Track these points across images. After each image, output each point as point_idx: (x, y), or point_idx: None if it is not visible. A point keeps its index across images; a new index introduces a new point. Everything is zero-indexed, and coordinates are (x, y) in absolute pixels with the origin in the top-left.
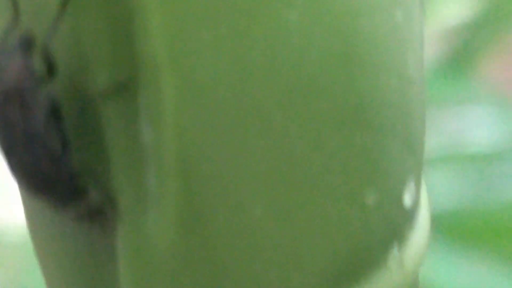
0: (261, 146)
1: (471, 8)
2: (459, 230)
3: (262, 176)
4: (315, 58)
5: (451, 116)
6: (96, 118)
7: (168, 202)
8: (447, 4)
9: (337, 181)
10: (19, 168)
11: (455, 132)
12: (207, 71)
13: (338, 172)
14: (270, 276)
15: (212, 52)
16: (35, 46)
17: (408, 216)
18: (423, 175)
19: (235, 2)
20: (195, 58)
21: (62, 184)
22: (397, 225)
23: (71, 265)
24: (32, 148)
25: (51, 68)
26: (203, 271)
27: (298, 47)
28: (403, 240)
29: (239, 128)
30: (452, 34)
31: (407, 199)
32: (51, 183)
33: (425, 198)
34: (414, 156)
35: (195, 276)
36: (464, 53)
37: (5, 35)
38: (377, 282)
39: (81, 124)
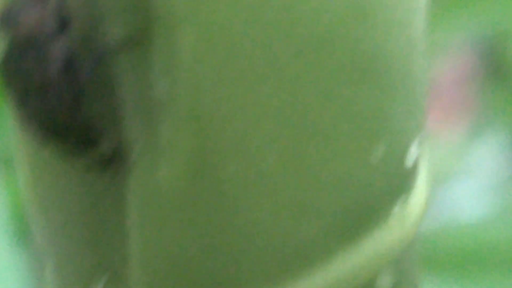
0: (274, 95)
1: None
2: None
3: (274, 124)
4: (332, 8)
5: None
6: (109, 69)
7: (180, 150)
8: None
9: (346, 133)
10: (33, 117)
11: None
12: (224, 20)
13: (347, 125)
14: (277, 224)
15: (230, 1)
16: None
17: (409, 176)
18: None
19: None
20: (213, 8)
21: (76, 132)
22: (399, 183)
23: (76, 218)
24: (47, 97)
25: (66, 18)
26: (212, 217)
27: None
28: (404, 198)
29: (253, 77)
30: None
31: (409, 159)
32: (65, 131)
33: (426, 162)
34: (416, 118)
35: (204, 222)
36: None
37: None
38: (378, 238)
39: (95, 75)
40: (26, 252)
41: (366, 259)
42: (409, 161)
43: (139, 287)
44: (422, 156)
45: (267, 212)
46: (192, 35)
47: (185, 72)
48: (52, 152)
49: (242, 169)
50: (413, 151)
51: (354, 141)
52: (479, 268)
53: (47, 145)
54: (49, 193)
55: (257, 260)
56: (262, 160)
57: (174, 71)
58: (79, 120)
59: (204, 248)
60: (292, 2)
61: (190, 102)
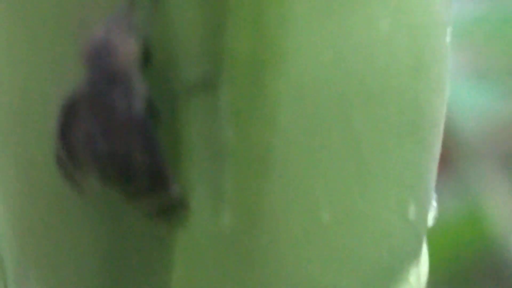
0: (338, 148)
1: None
2: None
3: (333, 176)
4: (396, 67)
5: None
6: (177, 113)
7: (244, 198)
8: None
9: (390, 187)
10: (108, 156)
11: None
12: (303, 72)
13: (393, 182)
14: (323, 276)
15: (312, 53)
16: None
17: (424, 234)
18: None
19: (334, 7)
20: (292, 60)
21: (152, 175)
22: (421, 241)
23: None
24: (129, 135)
25: (148, 56)
26: (264, 265)
27: (385, 55)
28: (420, 257)
29: (322, 130)
30: None
31: (430, 218)
32: (139, 172)
33: None
34: (432, 180)
35: (256, 269)
36: None
37: (118, 19)
38: None
39: (170, 115)
40: None
41: None
42: (430, 219)
43: None
44: None
45: (316, 264)
46: (272, 82)
47: (251, 119)
48: (119, 192)
49: (299, 221)
50: (432, 210)
51: (396, 196)
52: None
53: (113, 186)
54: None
55: None
56: (319, 213)
57: (240, 117)
58: (155, 161)
59: None
60: (368, 57)
61: (255, 150)
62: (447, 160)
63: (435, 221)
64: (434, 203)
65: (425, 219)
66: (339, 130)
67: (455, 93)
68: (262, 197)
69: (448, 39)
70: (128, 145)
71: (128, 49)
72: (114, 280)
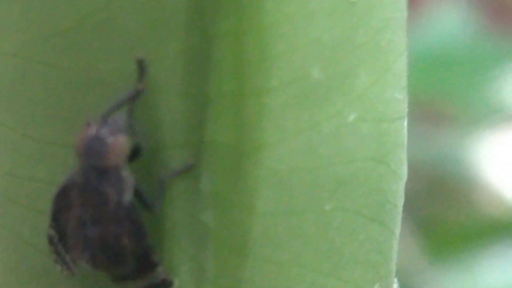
0: (311, 231)
1: None
2: None
3: (306, 259)
4: (361, 154)
5: None
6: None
7: (224, 280)
8: None
9: (359, 270)
10: (98, 240)
11: None
12: (279, 160)
13: (360, 261)
14: None
15: (287, 143)
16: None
17: None
18: None
19: (306, 103)
20: (270, 149)
21: (139, 258)
22: None
23: None
24: (118, 221)
25: (138, 150)
26: None
27: (352, 143)
28: None
29: (296, 214)
30: None
31: None
32: (127, 257)
33: None
34: (394, 259)
35: None
36: None
37: (107, 118)
38: None
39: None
40: None
41: None
42: None
43: None
44: None
45: None
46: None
47: (231, 205)
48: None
49: None
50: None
51: (362, 275)
52: None
53: (102, 268)
54: None
55: None
56: None
57: (221, 204)
58: (142, 246)
59: None
60: (336, 145)
61: (237, 231)
62: None
63: None
64: (396, 283)
65: None
66: (312, 214)
67: None
68: (240, 277)
69: (404, 125)
70: (117, 230)
71: (120, 147)
72: None
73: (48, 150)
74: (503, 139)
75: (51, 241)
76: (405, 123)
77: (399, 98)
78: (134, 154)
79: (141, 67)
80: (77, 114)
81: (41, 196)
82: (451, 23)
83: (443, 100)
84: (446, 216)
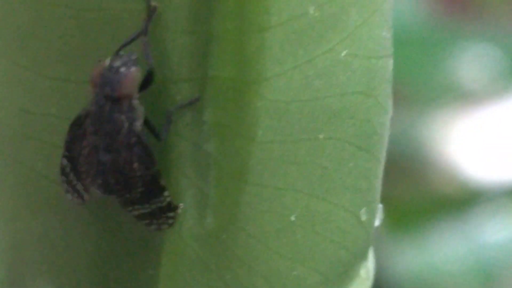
0: (305, 158)
1: None
2: None
3: (300, 185)
4: (352, 87)
5: None
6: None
7: (224, 205)
8: None
9: (348, 195)
10: (110, 165)
11: None
12: (278, 93)
13: (349, 187)
14: (288, 270)
15: (285, 77)
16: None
17: (372, 233)
18: None
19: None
20: (269, 82)
21: (148, 182)
22: (370, 240)
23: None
24: (129, 148)
25: (150, 78)
26: (238, 263)
27: (343, 77)
28: (368, 253)
29: (292, 142)
30: None
31: (377, 220)
32: (137, 181)
33: None
34: (379, 185)
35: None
36: None
37: (119, 53)
38: (357, 285)
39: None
40: None
41: None
42: (377, 221)
43: None
44: None
45: (285, 259)
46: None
47: (231, 135)
48: (119, 200)
49: (271, 221)
50: (379, 212)
51: (351, 200)
52: None
53: (112, 193)
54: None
55: None
56: (287, 214)
57: (224, 132)
58: (151, 171)
59: None
60: (329, 80)
61: (237, 159)
62: None
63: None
64: (380, 206)
65: (373, 220)
66: (307, 143)
67: None
68: (240, 201)
69: (391, 62)
70: (128, 156)
71: (132, 78)
72: (106, 276)
73: (61, 87)
74: (457, 119)
75: (63, 170)
76: (391, 61)
77: (386, 37)
78: (147, 82)
79: (149, 13)
80: (89, 53)
81: (54, 130)
82: (404, 5)
83: (397, 80)
84: (401, 193)
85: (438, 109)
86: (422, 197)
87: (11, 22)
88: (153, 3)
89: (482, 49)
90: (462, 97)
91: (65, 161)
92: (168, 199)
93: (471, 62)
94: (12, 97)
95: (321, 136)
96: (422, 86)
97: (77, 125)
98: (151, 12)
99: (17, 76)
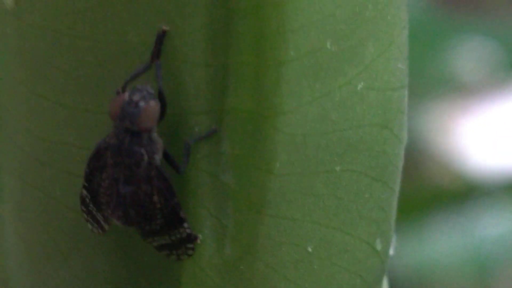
0: (322, 190)
1: None
2: None
3: (317, 216)
4: (369, 120)
5: None
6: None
7: (242, 236)
8: None
9: (363, 225)
10: (130, 198)
11: None
12: (295, 125)
13: (365, 218)
14: None
15: (303, 109)
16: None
17: (387, 263)
18: None
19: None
20: (287, 115)
21: (167, 214)
22: (384, 269)
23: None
24: (149, 180)
25: (163, 113)
26: None
27: (360, 110)
28: (382, 282)
29: (309, 174)
30: None
31: (392, 249)
32: (157, 213)
33: None
34: (394, 216)
35: None
36: None
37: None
38: None
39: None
40: None
41: None
42: (391, 251)
43: None
44: None
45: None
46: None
47: (248, 167)
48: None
49: (288, 252)
50: (393, 242)
51: (366, 230)
52: None
53: (132, 225)
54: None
55: None
56: (305, 244)
57: (242, 164)
58: (171, 203)
59: None
60: (346, 112)
61: (255, 191)
62: None
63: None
64: (394, 236)
65: (388, 249)
66: (324, 175)
67: None
68: (258, 232)
69: (406, 93)
70: (148, 189)
71: (152, 111)
72: None
73: (79, 116)
74: (454, 111)
75: (83, 201)
76: (406, 92)
77: (401, 68)
78: (162, 111)
79: (159, 36)
80: (107, 83)
81: (72, 159)
82: None
83: None
84: None
85: (435, 101)
86: (419, 190)
87: (30, 52)
88: (164, 27)
89: (480, 42)
90: (459, 89)
91: (84, 192)
92: (187, 231)
93: (469, 55)
94: (30, 124)
95: (337, 168)
96: (419, 78)
97: (97, 157)
98: (161, 35)
99: (35, 105)
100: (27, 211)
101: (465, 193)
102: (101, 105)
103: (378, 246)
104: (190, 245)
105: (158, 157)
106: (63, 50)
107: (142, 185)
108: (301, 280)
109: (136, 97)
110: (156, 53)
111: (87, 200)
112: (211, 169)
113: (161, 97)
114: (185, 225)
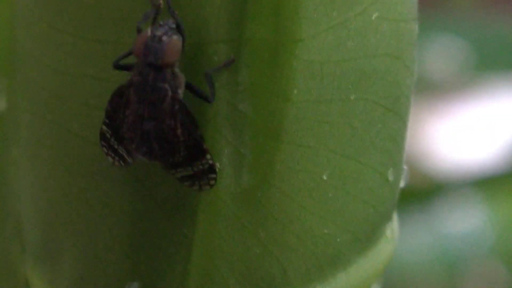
0: (337, 118)
1: None
2: None
3: (332, 144)
4: (382, 50)
5: None
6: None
7: (259, 164)
8: None
9: (376, 155)
10: (155, 133)
11: None
12: (312, 53)
13: (378, 148)
14: (319, 227)
15: (319, 38)
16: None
17: (398, 194)
18: None
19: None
20: (304, 43)
21: (191, 147)
22: (395, 200)
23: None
24: (172, 115)
25: (183, 43)
26: (273, 221)
27: (374, 39)
28: (393, 214)
29: (325, 102)
30: None
31: (402, 182)
32: (181, 146)
33: None
34: (405, 147)
35: (267, 224)
36: None
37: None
38: (380, 251)
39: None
40: None
41: (371, 268)
42: (402, 182)
43: None
44: None
45: (316, 217)
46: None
47: (265, 97)
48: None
49: (304, 180)
50: (405, 172)
51: (379, 160)
52: None
53: (156, 158)
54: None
55: (302, 260)
56: (319, 172)
57: (259, 92)
58: (194, 135)
59: (262, 248)
60: (362, 42)
61: (272, 119)
62: None
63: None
64: (405, 169)
65: (399, 181)
66: (339, 103)
67: None
68: (275, 159)
69: (416, 26)
70: (172, 123)
71: (174, 46)
72: (141, 235)
73: (98, 48)
74: (421, 110)
75: (103, 136)
76: (417, 26)
77: (413, 1)
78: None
79: None
80: (127, 15)
81: (92, 91)
82: None
83: None
84: None
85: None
86: None
87: None
88: None
89: (448, 41)
90: (427, 88)
91: (104, 128)
92: (210, 162)
93: (437, 54)
94: (49, 59)
95: (352, 97)
96: None
97: (119, 94)
98: None
99: (54, 39)
100: (45, 147)
101: (432, 191)
102: (121, 37)
103: (390, 177)
104: (213, 176)
105: (181, 92)
106: None
107: (166, 120)
108: (315, 208)
109: (159, 32)
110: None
111: (108, 135)
112: (229, 98)
113: (180, 31)
114: (208, 156)
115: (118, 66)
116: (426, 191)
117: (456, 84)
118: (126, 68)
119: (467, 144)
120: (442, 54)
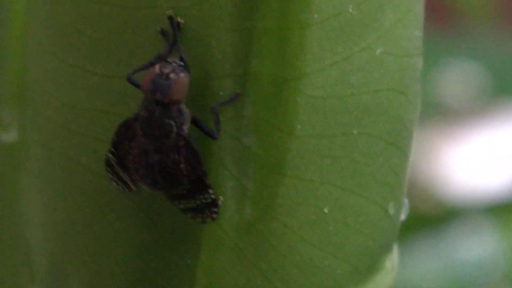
0: (339, 152)
1: None
2: None
3: (334, 178)
4: (386, 84)
5: None
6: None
7: (262, 197)
8: None
9: (377, 189)
10: (159, 166)
11: None
12: (316, 88)
13: (379, 181)
14: (319, 259)
15: (323, 72)
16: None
17: (398, 227)
18: None
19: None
20: (308, 78)
21: (194, 181)
22: (396, 233)
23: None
24: (177, 150)
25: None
26: (275, 252)
27: (378, 74)
28: (393, 246)
29: (328, 137)
30: None
31: (403, 215)
32: (184, 180)
33: None
34: (406, 181)
35: (270, 255)
36: None
37: (165, 61)
38: (382, 276)
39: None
40: None
41: None
42: (402, 216)
43: None
44: None
45: (317, 249)
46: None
47: (269, 131)
48: (167, 196)
49: (305, 213)
50: (404, 205)
51: (380, 193)
52: None
53: (159, 190)
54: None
55: None
56: (321, 206)
57: (263, 127)
58: (198, 170)
59: (264, 279)
60: (365, 75)
61: (275, 153)
62: None
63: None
64: (406, 202)
65: (400, 214)
66: (342, 137)
67: None
68: (277, 192)
69: (421, 61)
70: (176, 158)
71: (182, 84)
72: (146, 265)
73: (107, 82)
74: (436, 136)
75: (108, 162)
76: (421, 60)
77: (418, 36)
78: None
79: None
80: (136, 49)
81: (100, 125)
82: None
83: None
84: None
85: (418, 126)
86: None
87: (58, 20)
88: (179, 19)
89: (464, 65)
90: (442, 114)
91: (110, 155)
92: (212, 196)
93: (453, 79)
94: (59, 93)
95: (355, 131)
96: None
97: (126, 127)
98: (176, 26)
99: (64, 73)
100: (53, 179)
101: (444, 218)
102: (130, 71)
103: (391, 210)
104: (215, 209)
105: (186, 128)
106: (91, 17)
107: (171, 154)
108: (317, 240)
109: (166, 70)
110: (173, 42)
111: (113, 162)
112: (233, 132)
113: (186, 68)
114: (210, 191)
115: (130, 80)
116: (439, 217)
117: (471, 109)
118: (137, 85)
119: (482, 170)
120: (457, 79)
